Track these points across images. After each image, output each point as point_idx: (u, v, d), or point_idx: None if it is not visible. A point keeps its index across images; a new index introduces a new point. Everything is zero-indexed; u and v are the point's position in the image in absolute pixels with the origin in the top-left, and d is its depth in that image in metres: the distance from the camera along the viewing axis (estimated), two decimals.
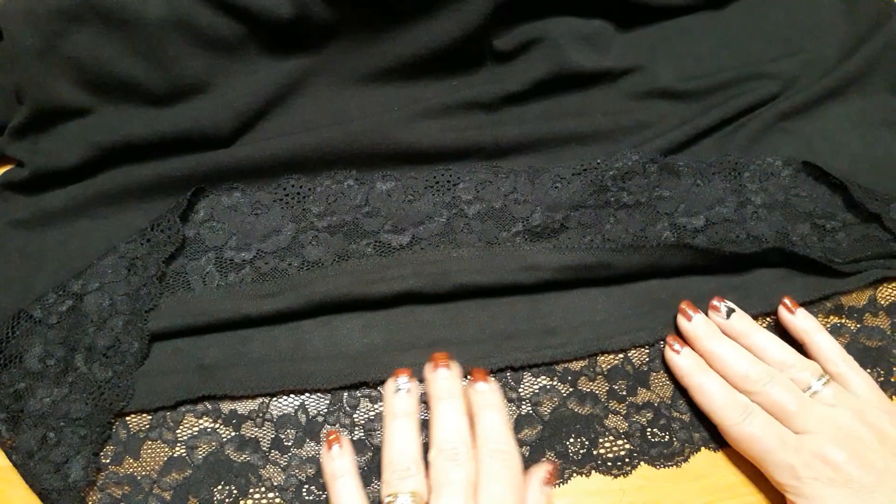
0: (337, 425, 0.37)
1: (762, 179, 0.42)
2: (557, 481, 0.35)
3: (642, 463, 0.36)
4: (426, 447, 0.34)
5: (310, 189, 0.42)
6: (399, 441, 0.34)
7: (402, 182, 0.42)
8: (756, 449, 0.34)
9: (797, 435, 0.34)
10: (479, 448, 0.34)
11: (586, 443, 0.36)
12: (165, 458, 0.36)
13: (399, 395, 0.35)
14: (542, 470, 0.34)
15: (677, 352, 0.38)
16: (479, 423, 0.34)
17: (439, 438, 0.33)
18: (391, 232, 0.41)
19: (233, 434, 0.37)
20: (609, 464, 0.36)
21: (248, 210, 0.41)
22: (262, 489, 0.36)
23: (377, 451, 0.36)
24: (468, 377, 0.37)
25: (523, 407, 0.38)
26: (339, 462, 0.34)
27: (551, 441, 0.37)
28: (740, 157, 0.43)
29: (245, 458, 0.36)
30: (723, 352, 0.37)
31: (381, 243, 0.41)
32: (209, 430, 0.37)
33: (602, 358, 0.39)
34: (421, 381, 0.37)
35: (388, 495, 0.32)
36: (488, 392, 0.35)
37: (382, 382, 0.38)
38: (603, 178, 0.41)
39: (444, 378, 0.35)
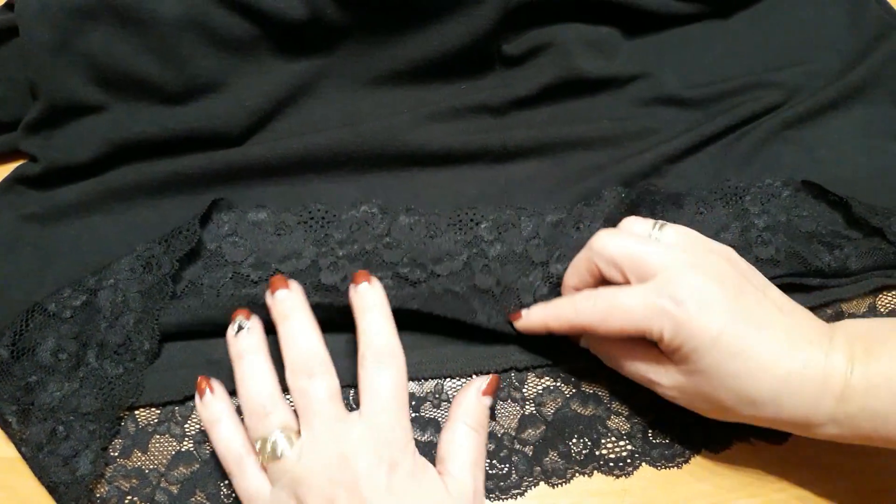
0: None
1: (763, 202, 0.42)
2: (496, 394, 0.32)
3: (644, 464, 0.36)
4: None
5: (334, 215, 0.41)
6: (250, 381, 0.32)
7: (426, 217, 0.41)
8: (619, 318, 0.32)
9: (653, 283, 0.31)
10: (361, 354, 0.32)
11: (589, 443, 0.37)
12: (173, 452, 0.36)
13: (240, 335, 0.33)
14: (483, 379, 0.33)
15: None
16: (360, 327, 0.33)
17: (290, 358, 0.32)
18: (409, 266, 0.40)
19: None
20: (611, 464, 0.36)
21: (272, 230, 0.41)
22: None
23: None
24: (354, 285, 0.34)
25: (527, 407, 0.38)
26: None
27: (554, 441, 0.37)
28: (739, 182, 0.43)
29: None
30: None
31: (398, 276, 0.39)
32: None
33: None
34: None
35: (257, 440, 0.31)
36: (369, 292, 0.33)
37: None
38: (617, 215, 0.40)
39: (284, 297, 0.34)
